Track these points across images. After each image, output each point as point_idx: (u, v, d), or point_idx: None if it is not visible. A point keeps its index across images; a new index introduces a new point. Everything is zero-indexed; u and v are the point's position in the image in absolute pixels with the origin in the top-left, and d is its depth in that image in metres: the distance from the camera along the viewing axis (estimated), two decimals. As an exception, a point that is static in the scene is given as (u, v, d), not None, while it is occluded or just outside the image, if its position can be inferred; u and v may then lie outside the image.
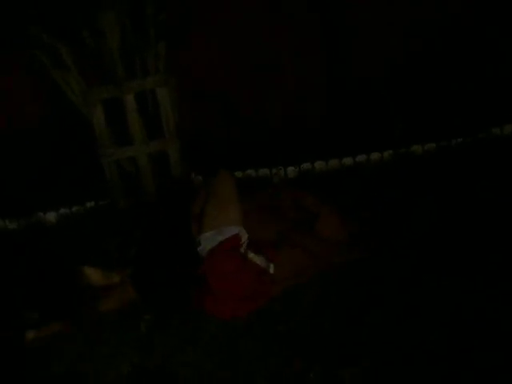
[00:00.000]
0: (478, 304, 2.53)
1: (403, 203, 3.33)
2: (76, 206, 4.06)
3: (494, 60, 4.15)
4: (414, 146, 4.01)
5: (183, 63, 3.94)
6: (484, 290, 2.61)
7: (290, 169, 4.08)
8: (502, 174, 3.45)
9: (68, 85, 3.75)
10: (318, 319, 2.62)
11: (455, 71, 4.15)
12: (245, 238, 2.84)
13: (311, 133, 4.14)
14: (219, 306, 2.72)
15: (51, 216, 4.03)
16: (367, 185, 3.65)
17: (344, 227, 3.04)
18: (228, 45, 4.13)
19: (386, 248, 2.96)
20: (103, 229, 3.60)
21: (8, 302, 3.03)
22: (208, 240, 2.83)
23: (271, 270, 2.79)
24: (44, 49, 3.62)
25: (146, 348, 2.64)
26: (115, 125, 3.78)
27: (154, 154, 3.88)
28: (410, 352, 2.36)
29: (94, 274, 2.93)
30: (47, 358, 2.70)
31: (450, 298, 2.61)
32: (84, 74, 3.74)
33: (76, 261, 3.08)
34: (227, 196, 2.90)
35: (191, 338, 2.64)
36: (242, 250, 2.81)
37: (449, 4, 4.07)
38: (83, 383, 2.55)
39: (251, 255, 2.81)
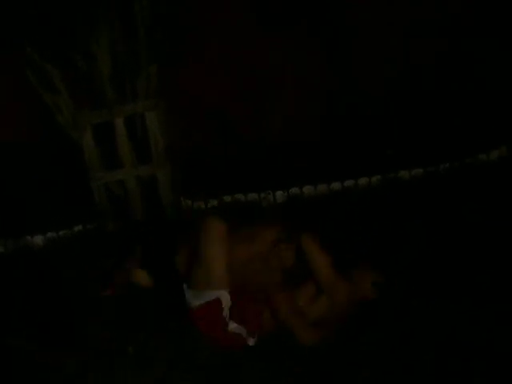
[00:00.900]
0: (467, 326, 2.55)
1: (392, 228, 3.35)
2: (63, 230, 4.02)
3: (484, 86, 4.22)
4: (402, 172, 4.04)
5: (180, 81, 3.95)
6: (472, 312, 2.63)
7: (279, 193, 4.08)
8: (489, 198, 3.50)
9: (58, 108, 3.76)
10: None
11: (444, 97, 4.22)
12: (227, 302, 2.76)
13: (308, 148, 4.15)
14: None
15: (38, 239, 4.00)
16: (355, 210, 3.66)
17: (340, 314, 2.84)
18: (226, 53, 4.15)
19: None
20: (92, 252, 3.58)
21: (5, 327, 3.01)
22: (191, 297, 2.80)
23: (251, 343, 2.75)
24: (35, 70, 3.63)
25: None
26: (104, 148, 3.78)
27: (143, 177, 3.88)
28: (405, 368, 2.41)
29: None
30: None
31: (440, 321, 2.63)
32: (75, 97, 3.74)
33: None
34: (214, 254, 2.78)
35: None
36: (224, 313, 2.74)
37: (449, 4, 4.12)
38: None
39: (233, 326, 2.74)
